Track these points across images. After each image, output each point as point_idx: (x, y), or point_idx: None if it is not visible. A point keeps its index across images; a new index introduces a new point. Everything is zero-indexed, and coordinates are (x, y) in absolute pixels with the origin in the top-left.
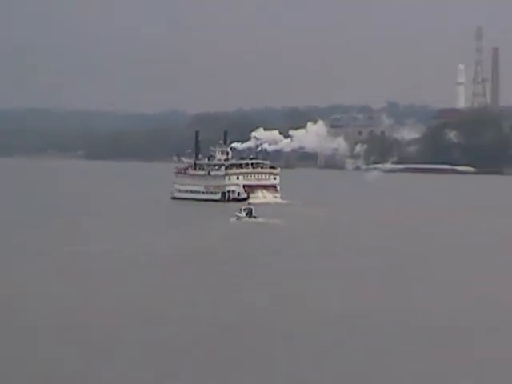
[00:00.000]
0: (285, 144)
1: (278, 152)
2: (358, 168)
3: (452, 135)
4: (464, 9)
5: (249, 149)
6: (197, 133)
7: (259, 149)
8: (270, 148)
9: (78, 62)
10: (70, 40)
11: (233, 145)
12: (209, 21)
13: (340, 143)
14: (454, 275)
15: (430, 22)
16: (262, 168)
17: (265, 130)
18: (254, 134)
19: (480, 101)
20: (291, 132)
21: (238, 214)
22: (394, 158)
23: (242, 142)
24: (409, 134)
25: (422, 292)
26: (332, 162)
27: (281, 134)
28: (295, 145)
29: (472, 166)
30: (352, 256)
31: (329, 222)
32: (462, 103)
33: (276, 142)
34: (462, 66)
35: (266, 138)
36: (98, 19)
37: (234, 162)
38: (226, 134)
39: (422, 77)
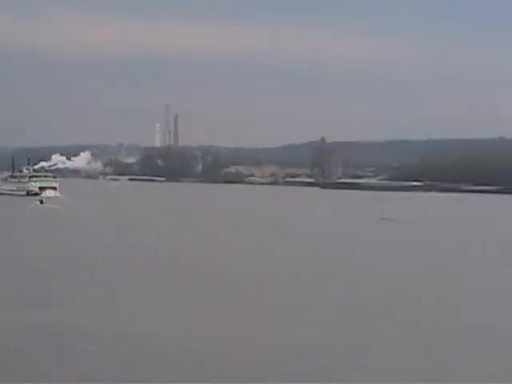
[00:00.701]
0: (69, 164)
1: (65, 168)
2: (106, 179)
3: (158, 161)
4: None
5: (49, 166)
6: (13, 158)
7: (55, 166)
8: (61, 166)
9: None
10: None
11: (41, 163)
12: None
13: (98, 165)
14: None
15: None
16: (48, 177)
17: (60, 155)
18: (53, 157)
19: (168, 143)
20: (72, 158)
21: (36, 202)
22: (127, 173)
23: (46, 161)
24: (132, 160)
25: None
26: (90, 175)
27: (67, 158)
28: (74, 165)
29: (164, 177)
30: (103, 218)
31: (86, 207)
32: (158, 143)
33: (64, 163)
34: (158, 124)
35: (59, 160)
36: None
37: (33, 174)
38: (29, 159)
39: (137, 130)
